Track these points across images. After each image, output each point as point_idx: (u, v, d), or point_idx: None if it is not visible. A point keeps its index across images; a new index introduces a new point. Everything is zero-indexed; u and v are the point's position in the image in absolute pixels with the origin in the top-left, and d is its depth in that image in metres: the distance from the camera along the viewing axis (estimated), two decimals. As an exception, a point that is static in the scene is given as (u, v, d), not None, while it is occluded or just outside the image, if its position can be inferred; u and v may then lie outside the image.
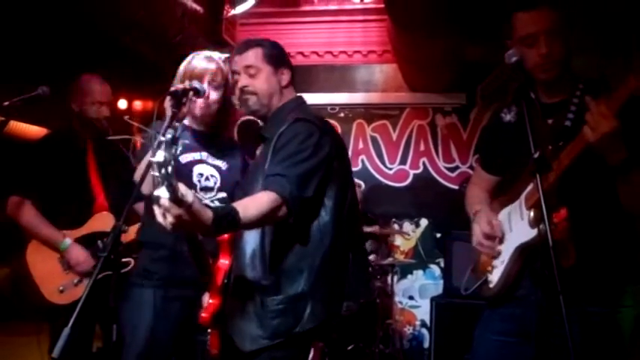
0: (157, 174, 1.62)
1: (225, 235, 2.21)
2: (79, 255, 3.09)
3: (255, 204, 2.00)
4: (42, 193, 3.14)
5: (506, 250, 2.21)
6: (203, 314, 2.19)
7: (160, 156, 1.61)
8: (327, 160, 2.21)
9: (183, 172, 2.63)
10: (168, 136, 1.64)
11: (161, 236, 2.61)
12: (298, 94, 2.44)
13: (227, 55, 2.73)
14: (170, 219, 1.71)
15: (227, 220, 1.88)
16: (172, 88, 2.50)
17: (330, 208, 2.23)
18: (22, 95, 2.82)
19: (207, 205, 1.87)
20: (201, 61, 2.71)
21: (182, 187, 1.70)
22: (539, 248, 1.95)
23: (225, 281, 2.24)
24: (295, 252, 2.19)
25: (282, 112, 2.34)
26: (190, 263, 2.60)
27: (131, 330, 2.61)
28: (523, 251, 2.14)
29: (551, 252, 1.81)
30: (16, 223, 3.17)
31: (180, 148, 1.66)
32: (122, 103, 6.16)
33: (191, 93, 2.50)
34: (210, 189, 2.70)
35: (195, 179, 2.68)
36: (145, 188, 2.26)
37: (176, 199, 1.68)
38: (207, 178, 2.70)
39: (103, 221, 3.16)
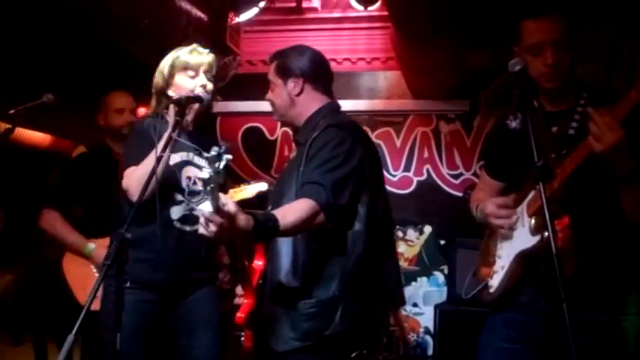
0: (201, 189, 1.71)
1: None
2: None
3: (293, 211, 2.07)
4: (72, 206, 3.39)
5: (507, 255, 2.22)
6: (239, 314, 2.28)
7: (205, 173, 1.69)
8: (360, 168, 2.28)
9: (172, 175, 2.64)
10: (213, 153, 1.72)
11: (146, 240, 2.62)
12: (333, 101, 2.50)
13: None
14: (213, 228, 1.80)
15: (267, 226, 1.95)
16: (176, 97, 2.52)
17: (363, 216, 2.30)
18: (27, 103, 2.84)
19: (249, 212, 1.94)
20: (193, 54, 2.72)
21: (223, 197, 1.79)
22: (542, 256, 1.95)
23: (260, 282, 2.34)
24: (328, 258, 2.26)
25: (315, 117, 2.43)
26: (166, 269, 2.61)
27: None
28: (523, 258, 2.16)
29: (554, 259, 1.81)
30: (46, 232, 3.41)
31: (223, 163, 1.73)
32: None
33: (197, 103, 2.54)
34: (198, 193, 2.68)
35: (183, 183, 2.67)
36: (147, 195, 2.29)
37: (218, 209, 1.76)
38: (194, 182, 2.69)
39: None
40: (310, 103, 2.47)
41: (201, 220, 1.81)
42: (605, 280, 2.11)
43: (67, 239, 3.35)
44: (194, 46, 2.78)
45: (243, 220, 1.87)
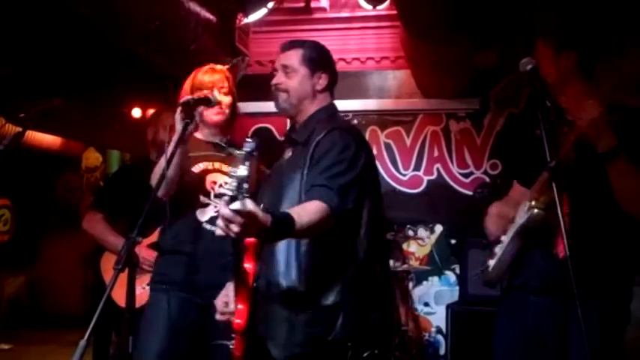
0: (233, 188, 1.72)
1: (252, 239, 2.21)
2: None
3: (307, 212, 2.03)
4: (115, 210, 3.56)
5: (507, 237, 2.31)
6: (237, 320, 2.19)
7: (244, 170, 1.70)
8: (363, 173, 2.24)
9: (195, 181, 2.74)
10: (247, 148, 1.72)
11: (178, 243, 2.73)
12: (332, 102, 2.45)
13: (228, 65, 2.83)
14: (235, 228, 1.76)
15: (284, 224, 1.92)
16: (184, 99, 2.53)
17: (365, 222, 2.25)
18: (37, 106, 2.85)
19: (266, 211, 1.90)
20: (206, 74, 2.83)
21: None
22: (554, 257, 1.97)
23: (255, 285, 2.25)
24: (331, 263, 2.21)
25: (315, 117, 2.36)
26: (203, 271, 2.63)
27: (145, 334, 2.65)
28: (519, 235, 2.24)
29: (568, 261, 1.81)
30: (87, 232, 3.60)
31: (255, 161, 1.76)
32: (136, 112, 6.22)
33: (201, 106, 2.55)
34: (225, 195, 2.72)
35: (208, 186, 2.76)
36: (161, 192, 2.32)
37: (239, 209, 1.74)
38: (220, 186, 2.75)
39: None
40: (323, 101, 2.42)
41: (220, 221, 1.78)
42: (596, 267, 2.15)
43: (106, 240, 3.51)
44: (210, 65, 2.91)
45: (262, 217, 1.83)
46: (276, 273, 2.22)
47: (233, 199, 1.72)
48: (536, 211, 2.15)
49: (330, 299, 2.18)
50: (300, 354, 2.16)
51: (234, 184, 1.72)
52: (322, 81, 2.40)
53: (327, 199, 2.07)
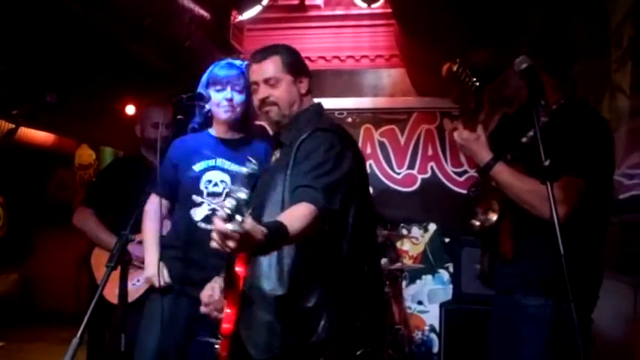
0: (232, 207, 1.67)
1: None
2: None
3: (297, 217, 1.98)
4: (106, 206, 3.51)
5: None
6: (225, 325, 2.14)
7: (243, 194, 1.69)
8: (349, 174, 2.19)
9: (192, 180, 2.75)
10: (249, 170, 1.79)
11: (174, 240, 2.76)
12: (318, 102, 2.41)
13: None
14: (231, 244, 1.72)
15: (279, 234, 1.87)
16: (176, 97, 2.55)
17: (351, 224, 2.21)
18: (29, 103, 2.83)
19: (259, 223, 1.85)
20: (222, 68, 2.77)
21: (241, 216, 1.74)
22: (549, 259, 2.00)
23: (244, 289, 2.20)
24: (313, 265, 2.18)
25: (301, 118, 2.31)
26: (198, 266, 2.64)
27: (142, 329, 2.66)
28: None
29: (562, 261, 1.80)
30: (77, 228, 3.55)
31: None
32: (130, 109, 6.21)
33: (197, 101, 2.55)
34: (218, 194, 2.74)
35: (202, 186, 2.75)
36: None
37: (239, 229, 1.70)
38: (215, 184, 2.75)
39: None
40: (307, 102, 2.37)
41: (215, 235, 1.73)
42: (536, 266, 2.20)
43: (98, 236, 3.48)
44: (228, 59, 2.86)
45: (258, 232, 1.79)
46: (258, 276, 2.18)
47: (230, 217, 1.68)
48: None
49: (311, 301, 2.14)
50: (279, 356, 2.13)
51: (234, 203, 1.68)
52: (304, 84, 2.36)
53: (313, 200, 2.01)
